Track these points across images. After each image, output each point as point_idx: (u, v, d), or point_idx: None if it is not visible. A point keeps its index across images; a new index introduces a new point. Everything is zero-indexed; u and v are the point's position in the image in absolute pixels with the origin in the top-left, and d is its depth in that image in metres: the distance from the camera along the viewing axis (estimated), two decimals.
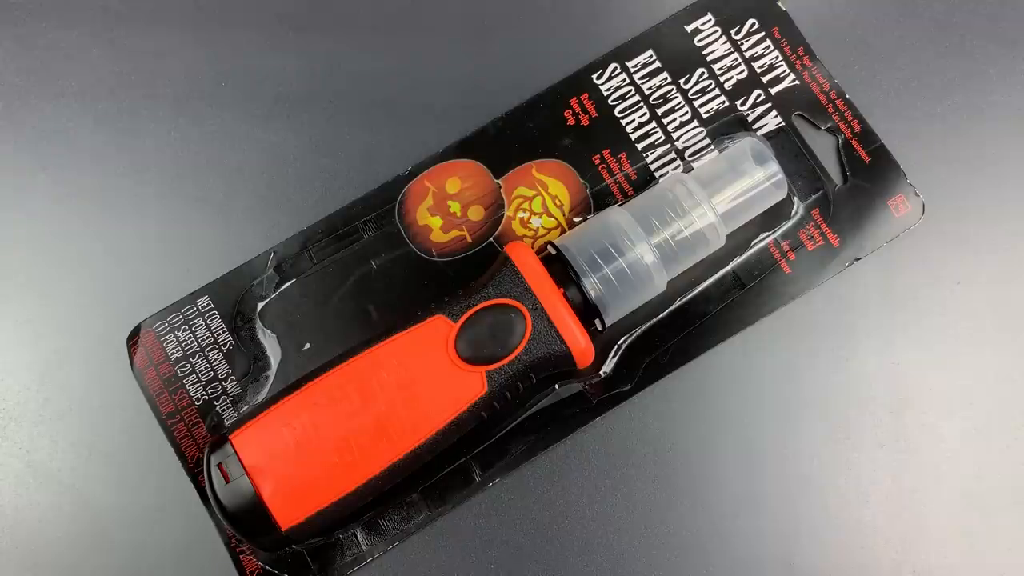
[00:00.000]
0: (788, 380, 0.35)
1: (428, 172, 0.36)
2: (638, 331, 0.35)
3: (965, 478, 0.35)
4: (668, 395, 0.35)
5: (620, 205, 0.34)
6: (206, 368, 0.34)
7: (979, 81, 0.38)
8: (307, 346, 0.35)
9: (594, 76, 0.37)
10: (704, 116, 0.37)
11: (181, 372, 0.34)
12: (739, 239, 0.35)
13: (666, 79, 0.37)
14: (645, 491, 0.35)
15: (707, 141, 0.36)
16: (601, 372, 0.35)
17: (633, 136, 0.36)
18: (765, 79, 0.37)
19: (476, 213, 0.36)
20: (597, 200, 0.36)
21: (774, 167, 0.33)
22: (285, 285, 0.35)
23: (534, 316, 0.31)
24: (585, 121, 0.37)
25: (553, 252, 0.33)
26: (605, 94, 0.37)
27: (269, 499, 0.30)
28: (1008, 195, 0.37)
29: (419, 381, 0.31)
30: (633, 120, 0.37)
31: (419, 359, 0.31)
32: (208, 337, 0.35)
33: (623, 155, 0.36)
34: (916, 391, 0.35)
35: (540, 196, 0.36)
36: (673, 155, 0.36)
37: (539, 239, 0.36)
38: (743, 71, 0.37)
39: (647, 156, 0.36)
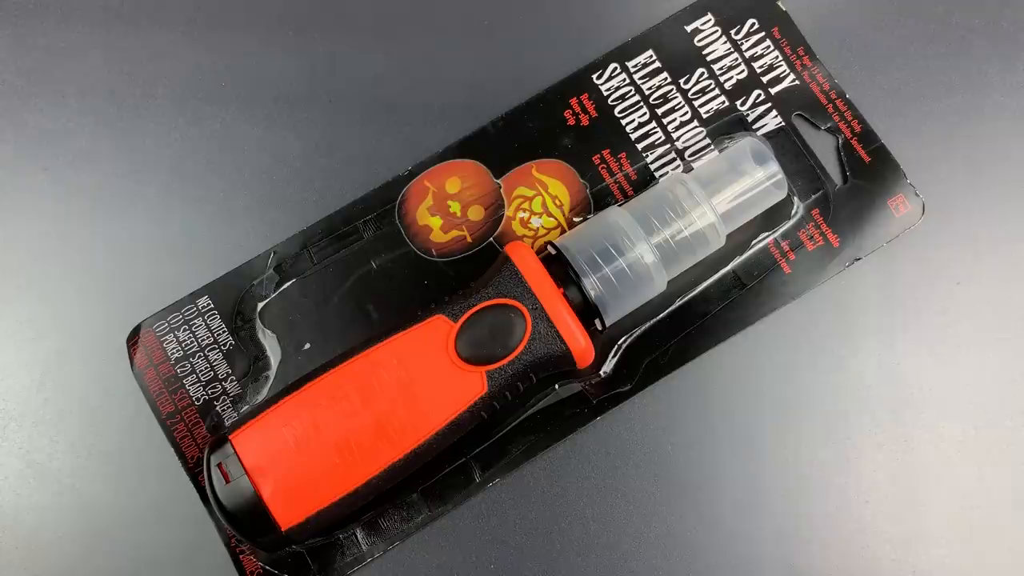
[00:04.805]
0: (788, 380, 0.35)
1: (428, 172, 0.36)
2: (638, 331, 0.35)
3: (965, 478, 0.35)
4: (668, 395, 0.35)
5: (620, 205, 0.34)
6: (206, 368, 0.35)
7: (979, 81, 0.38)
8: (307, 346, 0.35)
9: (594, 76, 0.37)
10: (704, 116, 0.37)
11: (181, 372, 0.34)
12: (739, 239, 0.35)
13: (666, 79, 0.37)
14: (645, 491, 0.35)
15: (707, 141, 0.36)
16: (601, 372, 0.35)
17: (633, 136, 0.36)
18: (765, 79, 0.37)
19: (476, 213, 0.36)
20: (597, 200, 0.36)
21: (774, 167, 0.33)
22: (285, 285, 0.35)
23: (534, 316, 0.31)
24: (585, 121, 0.37)
25: (553, 252, 0.33)
26: (605, 94, 0.37)
27: (269, 499, 0.30)
28: (1008, 195, 0.37)
29: (419, 381, 0.31)
30: (633, 120, 0.37)
31: (419, 359, 0.31)
32: (208, 337, 0.35)
33: (623, 155, 0.36)
34: (916, 391, 0.35)
35: (540, 196, 0.36)
36: (673, 155, 0.36)
37: (539, 239, 0.36)
38: (743, 71, 0.37)
39: (647, 156, 0.36)
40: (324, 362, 0.32)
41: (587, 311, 0.32)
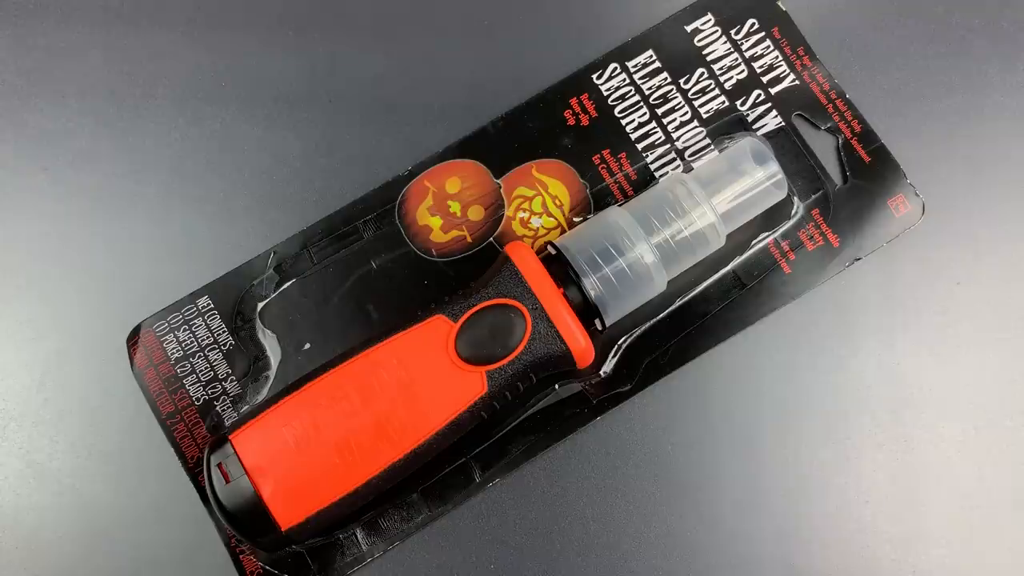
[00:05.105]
0: (788, 380, 0.35)
1: (428, 172, 0.36)
2: (638, 331, 0.35)
3: (965, 478, 0.35)
4: (668, 395, 0.35)
5: (620, 205, 0.34)
6: (206, 368, 0.34)
7: (979, 81, 0.38)
8: (307, 346, 0.35)
9: (594, 76, 0.37)
10: (704, 116, 0.37)
11: (181, 372, 0.34)
12: (739, 239, 0.35)
13: (666, 79, 0.37)
14: (645, 491, 0.35)
15: (707, 141, 0.36)
16: (601, 372, 0.35)
17: (633, 136, 0.36)
18: (765, 79, 0.37)
19: (476, 213, 0.36)
20: (597, 200, 0.36)
21: (774, 167, 0.33)
22: (285, 285, 0.35)
23: (534, 316, 0.31)
24: (585, 121, 0.37)
25: (553, 252, 0.33)
26: (605, 94, 0.37)
27: (269, 499, 0.30)
28: (1008, 195, 0.37)
29: (419, 381, 0.31)
30: (633, 120, 0.37)
31: (419, 359, 0.31)
32: (208, 337, 0.35)
33: (623, 155, 0.36)
34: (916, 391, 0.35)
35: (540, 196, 0.36)
36: (673, 155, 0.36)
37: (539, 239, 0.36)
38: (743, 71, 0.37)
39: (647, 156, 0.36)
40: (324, 362, 0.32)
41: (587, 311, 0.32)
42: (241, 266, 0.35)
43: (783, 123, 0.36)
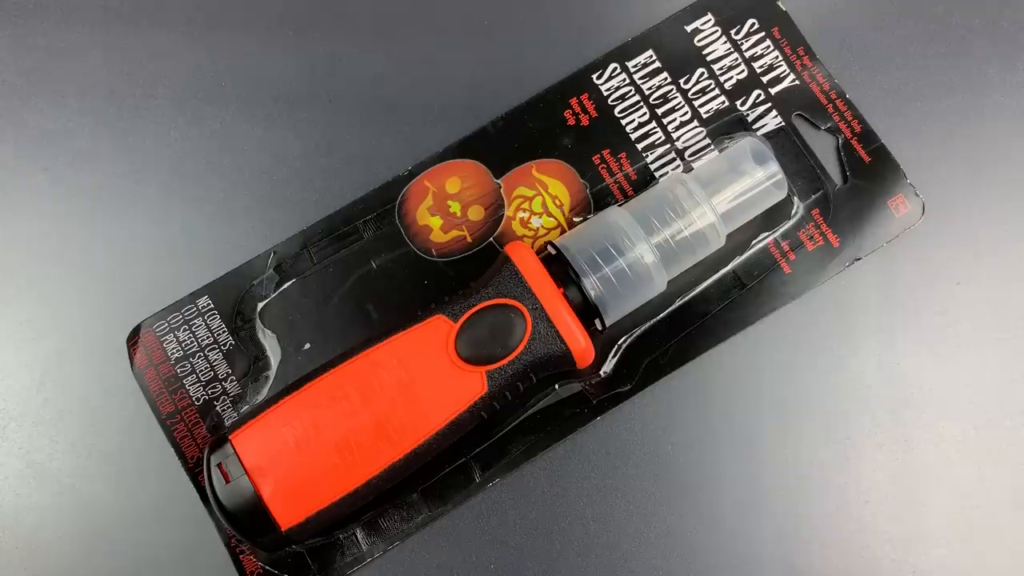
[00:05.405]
0: (788, 380, 0.35)
1: (428, 172, 0.36)
2: (638, 331, 0.35)
3: (965, 478, 0.35)
4: (668, 395, 0.35)
5: (620, 205, 0.34)
6: (206, 368, 0.35)
7: (979, 81, 0.38)
8: (307, 346, 0.35)
9: (594, 76, 0.37)
10: (704, 116, 0.37)
11: (181, 372, 0.34)
12: (739, 239, 0.35)
13: (666, 79, 0.37)
14: (645, 491, 0.35)
15: (707, 141, 0.36)
16: (601, 372, 0.35)
17: (633, 136, 0.36)
18: (765, 79, 0.37)
19: (476, 213, 0.36)
20: (597, 200, 0.36)
21: (774, 167, 0.33)
22: (285, 285, 0.35)
23: (534, 316, 0.31)
24: (585, 121, 0.37)
25: (553, 252, 0.33)
26: (605, 94, 0.37)
27: (269, 499, 0.30)
28: (1008, 195, 0.37)
29: (419, 381, 0.31)
30: (633, 120, 0.37)
31: (419, 359, 0.31)
32: (208, 337, 0.35)
33: (623, 155, 0.36)
34: (916, 391, 0.35)
35: (540, 196, 0.36)
36: (673, 155, 0.36)
37: (539, 239, 0.36)
38: (743, 71, 0.37)
39: (647, 156, 0.36)
40: (324, 362, 0.32)
41: (587, 311, 0.32)
42: (241, 266, 0.35)
43: (783, 123, 0.36)
